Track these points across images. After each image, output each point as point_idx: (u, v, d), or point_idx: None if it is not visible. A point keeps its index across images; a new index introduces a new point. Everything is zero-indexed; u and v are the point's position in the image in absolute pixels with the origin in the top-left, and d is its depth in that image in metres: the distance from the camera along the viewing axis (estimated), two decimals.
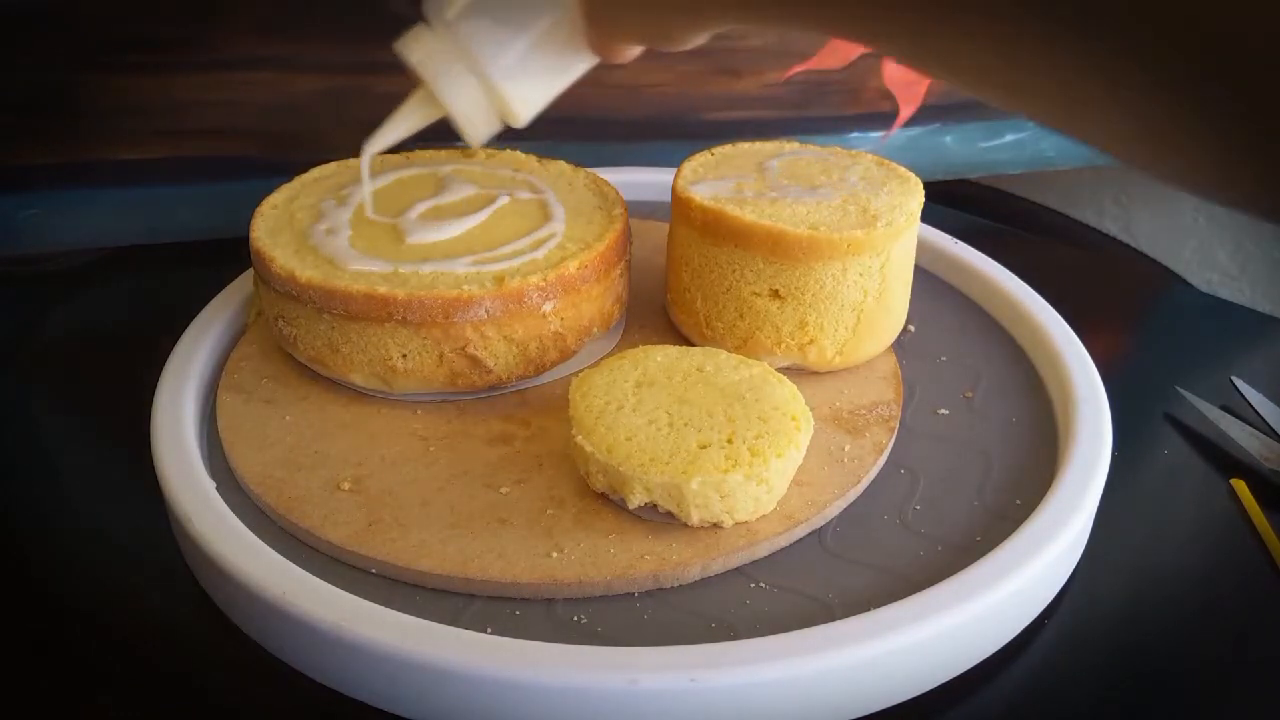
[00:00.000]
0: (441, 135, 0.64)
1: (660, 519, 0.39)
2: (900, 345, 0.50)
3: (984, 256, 0.56)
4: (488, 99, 0.38)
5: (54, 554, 0.43)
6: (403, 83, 0.66)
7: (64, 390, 0.52)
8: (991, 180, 0.77)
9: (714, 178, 0.48)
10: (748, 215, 0.44)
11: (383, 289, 0.42)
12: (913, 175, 0.49)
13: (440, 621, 0.35)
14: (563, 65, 0.38)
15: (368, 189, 0.49)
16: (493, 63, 0.37)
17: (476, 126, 0.39)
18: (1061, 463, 0.42)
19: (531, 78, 0.38)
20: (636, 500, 0.38)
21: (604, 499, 0.40)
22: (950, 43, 0.25)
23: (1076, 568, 0.42)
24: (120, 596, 0.41)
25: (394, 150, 0.54)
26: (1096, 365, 0.47)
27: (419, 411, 0.45)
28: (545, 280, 0.44)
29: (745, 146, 0.51)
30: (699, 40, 0.33)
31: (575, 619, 0.37)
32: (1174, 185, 0.24)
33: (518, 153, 0.54)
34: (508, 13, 0.37)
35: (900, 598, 0.36)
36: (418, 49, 0.38)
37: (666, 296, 0.50)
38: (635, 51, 0.37)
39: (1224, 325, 0.62)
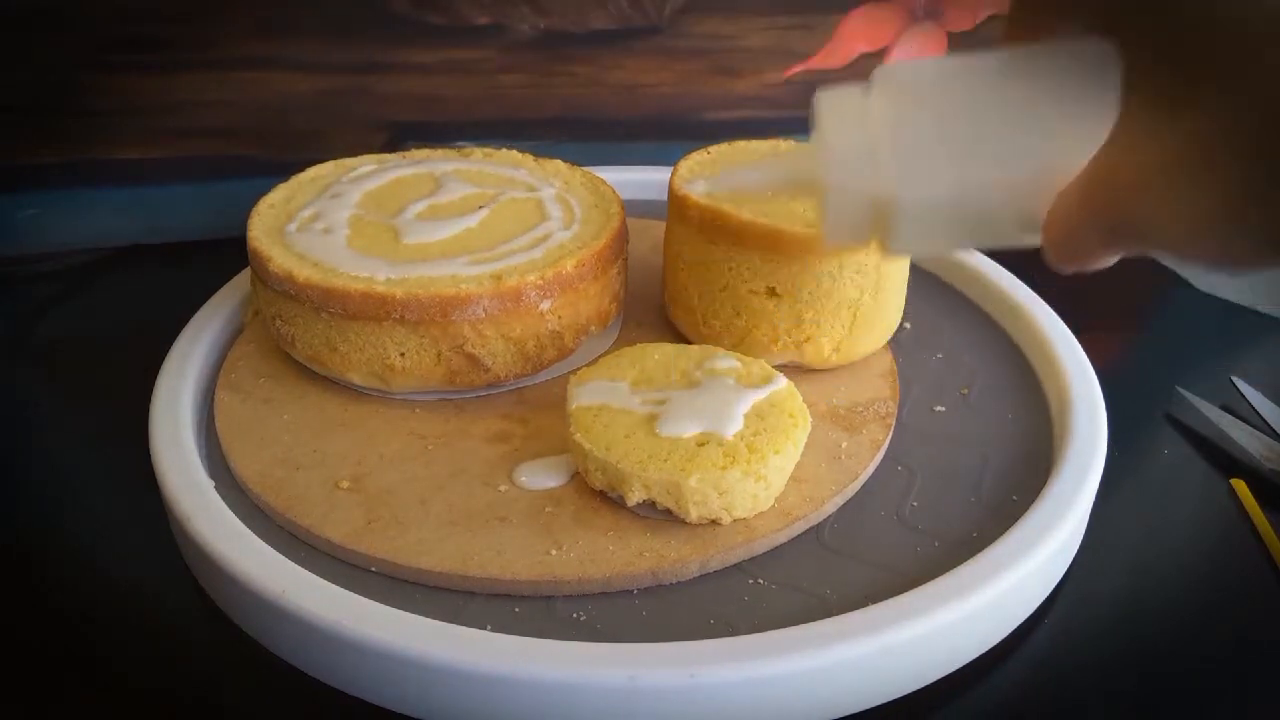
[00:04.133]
0: (439, 135, 0.65)
1: (659, 516, 0.39)
2: (896, 343, 0.50)
3: (979, 254, 0.56)
4: (874, 210, 0.32)
5: (53, 553, 0.43)
6: (402, 82, 0.66)
7: (63, 390, 0.52)
8: None
9: (711, 176, 0.48)
10: (744, 213, 0.44)
11: (380, 288, 0.43)
12: None
13: (439, 619, 0.35)
14: (986, 231, 0.32)
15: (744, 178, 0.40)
16: (903, 192, 0.31)
17: (840, 231, 0.33)
18: (1057, 458, 0.42)
19: (936, 230, 0.32)
20: (635, 497, 0.38)
21: (602, 496, 0.40)
22: None
23: (1075, 567, 0.42)
24: (119, 596, 0.41)
25: (392, 149, 0.55)
26: (1096, 365, 0.47)
27: (417, 410, 0.45)
28: (543, 279, 0.44)
29: (742, 145, 0.51)
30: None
31: (574, 616, 0.37)
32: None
33: (514, 152, 0.54)
34: (956, 147, 0.30)
35: (898, 593, 0.36)
36: (838, 109, 0.32)
37: (664, 295, 0.51)
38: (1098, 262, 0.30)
39: (1224, 325, 0.61)
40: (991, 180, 0.30)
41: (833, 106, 0.32)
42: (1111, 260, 0.30)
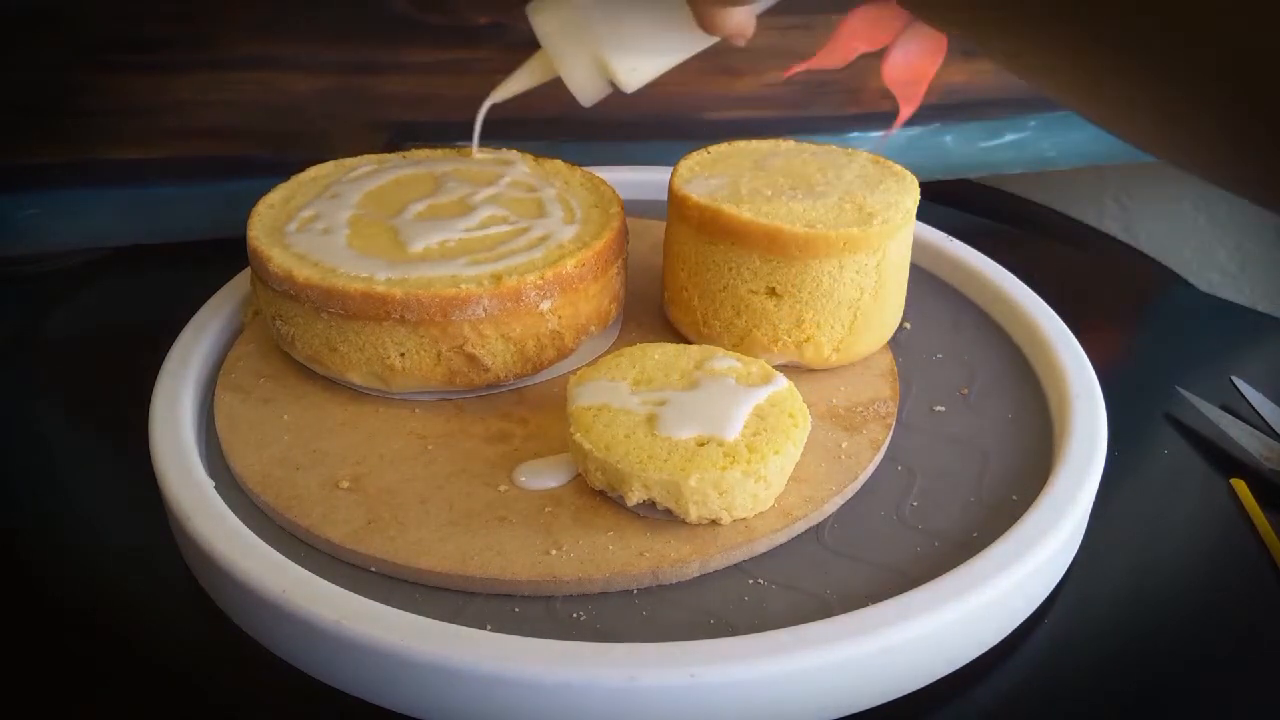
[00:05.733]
0: (439, 135, 0.65)
1: (659, 516, 0.39)
2: (896, 342, 0.50)
3: (978, 254, 0.56)
4: (599, 68, 0.43)
5: (53, 553, 0.43)
6: (402, 82, 0.66)
7: (64, 390, 0.52)
8: (992, 180, 0.77)
9: (710, 176, 0.48)
10: (744, 213, 0.44)
11: (380, 288, 0.43)
12: (908, 173, 0.49)
13: (439, 619, 0.35)
14: (673, 41, 0.43)
15: (477, 135, 0.52)
16: (606, 36, 0.42)
17: (586, 91, 0.44)
18: (1057, 457, 0.42)
19: (641, 51, 0.43)
20: (635, 497, 0.38)
21: (602, 496, 0.40)
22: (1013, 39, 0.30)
23: (1076, 567, 0.42)
24: (120, 595, 0.41)
25: (392, 150, 0.55)
26: (1096, 365, 0.47)
27: (417, 410, 0.45)
28: (543, 279, 0.44)
29: (741, 145, 0.51)
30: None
31: (574, 616, 0.37)
32: (1191, 171, 0.28)
33: (514, 151, 0.54)
34: None
35: (898, 593, 0.36)
36: (541, 15, 0.43)
37: (664, 295, 0.51)
38: (738, 20, 0.41)
39: (1224, 325, 0.62)
40: (650, 7, 0.42)
41: (537, 12, 0.44)
42: (737, 22, 0.42)
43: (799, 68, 0.69)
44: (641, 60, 0.43)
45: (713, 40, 0.42)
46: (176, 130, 0.61)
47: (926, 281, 0.56)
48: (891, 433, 0.45)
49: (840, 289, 0.45)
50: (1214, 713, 0.38)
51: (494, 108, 0.50)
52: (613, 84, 0.45)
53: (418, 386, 0.45)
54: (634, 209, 0.52)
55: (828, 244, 0.44)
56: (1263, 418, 0.50)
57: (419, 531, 0.39)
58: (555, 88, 0.48)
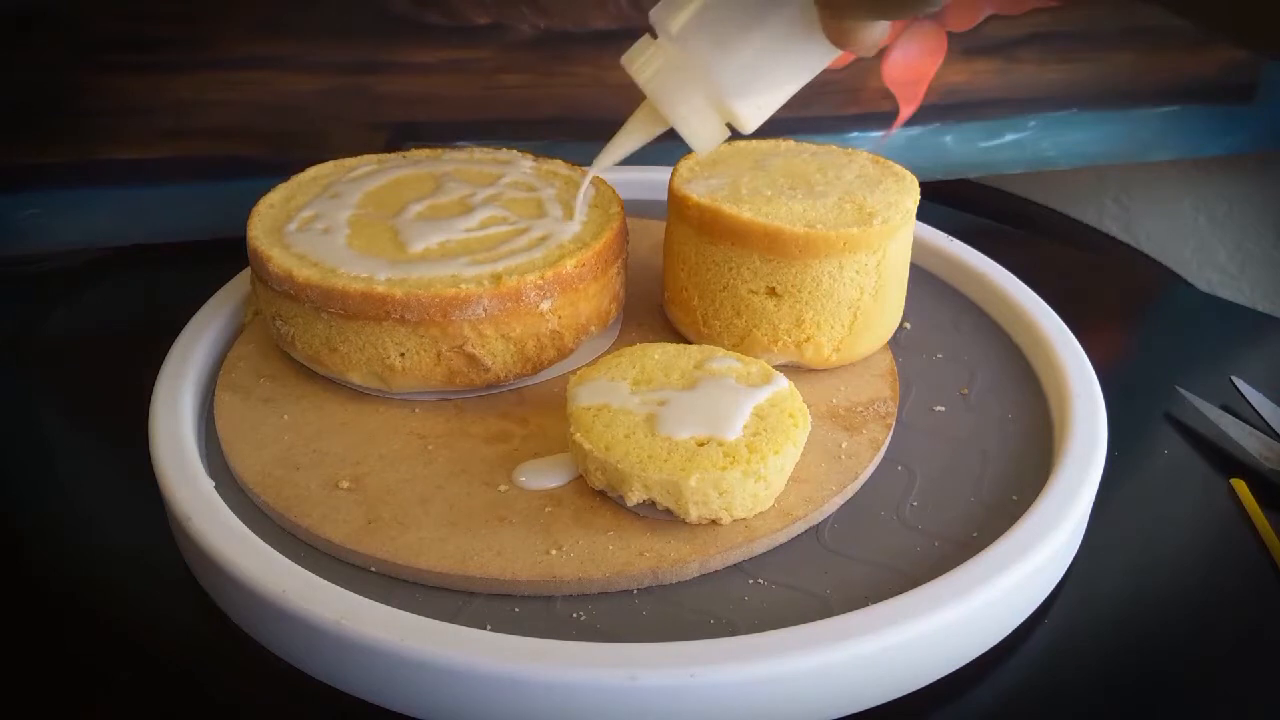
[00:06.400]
0: (439, 135, 0.65)
1: (658, 516, 0.39)
2: (896, 342, 0.50)
3: (978, 254, 0.56)
4: (715, 111, 0.38)
5: (53, 553, 0.43)
6: (402, 82, 0.66)
7: (64, 390, 0.52)
8: (992, 180, 0.77)
9: (710, 176, 0.48)
10: (744, 213, 0.44)
11: (380, 288, 0.43)
12: (908, 173, 0.49)
13: (439, 619, 0.35)
14: (795, 65, 0.38)
15: (581, 204, 0.48)
16: (720, 77, 0.37)
17: (704, 139, 0.39)
18: (1057, 457, 0.42)
19: (760, 84, 0.37)
20: (635, 498, 0.38)
21: (602, 496, 0.40)
22: None
23: (1075, 567, 0.42)
24: (120, 596, 0.41)
25: (392, 149, 0.55)
26: (1096, 365, 0.47)
27: (417, 410, 0.45)
28: (543, 279, 0.44)
29: (741, 145, 0.51)
30: (936, 6, 0.32)
31: (574, 616, 0.37)
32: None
33: (514, 151, 0.54)
34: (735, 19, 0.36)
35: (898, 593, 0.36)
36: (643, 65, 0.38)
37: (664, 295, 0.51)
38: (876, 36, 0.36)
39: (1224, 325, 0.62)
40: (770, 32, 0.37)
41: (636, 60, 0.38)
42: (876, 36, 0.36)
43: None
44: (761, 93, 0.37)
45: (836, 55, 0.38)
46: (176, 130, 0.61)
47: (926, 281, 0.56)
48: (891, 433, 0.45)
49: (840, 289, 0.45)
50: (1214, 713, 0.38)
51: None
52: (730, 126, 0.39)
53: (418, 386, 0.45)
54: (634, 209, 0.52)
55: (828, 244, 0.44)
56: (1263, 418, 0.50)
57: (419, 531, 0.39)
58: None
